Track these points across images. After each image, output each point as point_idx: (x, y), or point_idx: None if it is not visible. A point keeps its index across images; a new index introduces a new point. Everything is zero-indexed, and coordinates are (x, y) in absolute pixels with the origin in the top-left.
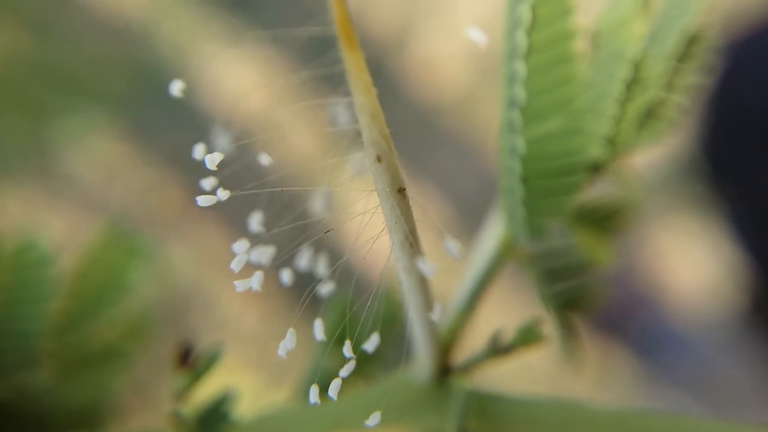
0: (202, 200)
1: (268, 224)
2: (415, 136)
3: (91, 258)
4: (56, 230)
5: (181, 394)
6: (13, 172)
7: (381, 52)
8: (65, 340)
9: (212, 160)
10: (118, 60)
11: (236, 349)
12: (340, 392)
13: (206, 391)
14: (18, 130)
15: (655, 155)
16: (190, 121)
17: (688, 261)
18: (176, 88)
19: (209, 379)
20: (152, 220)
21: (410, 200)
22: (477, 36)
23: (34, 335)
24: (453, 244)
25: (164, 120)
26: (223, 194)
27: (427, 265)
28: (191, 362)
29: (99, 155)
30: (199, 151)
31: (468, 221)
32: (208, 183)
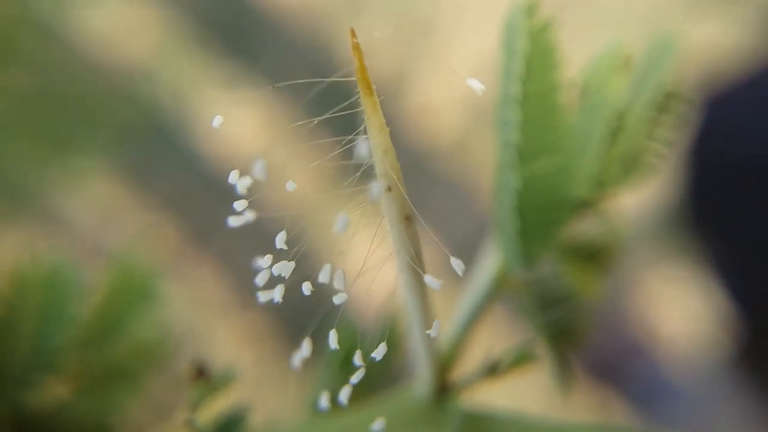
0: (233, 220)
1: (288, 243)
2: (410, 178)
3: (114, 280)
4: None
5: (196, 406)
6: (11, 213)
7: (377, 94)
8: (84, 357)
9: (243, 185)
10: (116, 102)
11: (231, 392)
12: (343, 409)
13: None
14: (17, 172)
15: (642, 205)
16: (187, 163)
17: (678, 310)
18: (216, 122)
19: (221, 397)
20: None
21: (416, 227)
22: (475, 84)
23: (58, 352)
24: (458, 263)
25: (161, 162)
26: (250, 215)
27: (431, 280)
28: (206, 376)
29: (95, 196)
30: (233, 175)
31: (464, 260)
32: (239, 204)
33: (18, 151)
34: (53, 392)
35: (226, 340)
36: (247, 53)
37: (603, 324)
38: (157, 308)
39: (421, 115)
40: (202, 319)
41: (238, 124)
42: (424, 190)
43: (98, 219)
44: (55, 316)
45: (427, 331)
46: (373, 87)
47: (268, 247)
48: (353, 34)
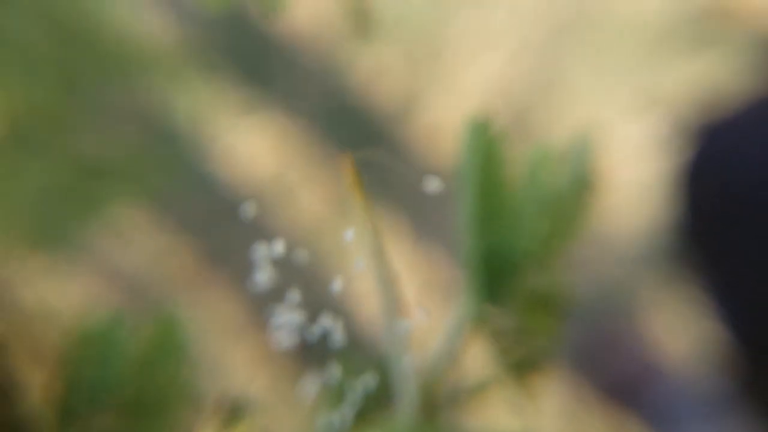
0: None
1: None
2: (420, 199)
3: (149, 336)
4: (71, 296)
5: None
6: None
7: (386, 119)
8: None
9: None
10: (132, 128)
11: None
12: None
13: None
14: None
15: (641, 234)
16: (202, 188)
17: (683, 336)
18: (249, 210)
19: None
20: (164, 286)
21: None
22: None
23: (107, 390)
24: (423, 311)
25: (178, 187)
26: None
27: (407, 322)
28: (226, 411)
29: (111, 221)
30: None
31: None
32: (261, 277)
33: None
34: (101, 424)
35: (240, 362)
36: (262, 79)
37: (618, 347)
38: (188, 365)
39: (431, 137)
40: (217, 341)
41: (253, 148)
42: (433, 211)
43: (115, 243)
44: (106, 374)
45: (406, 358)
46: (365, 196)
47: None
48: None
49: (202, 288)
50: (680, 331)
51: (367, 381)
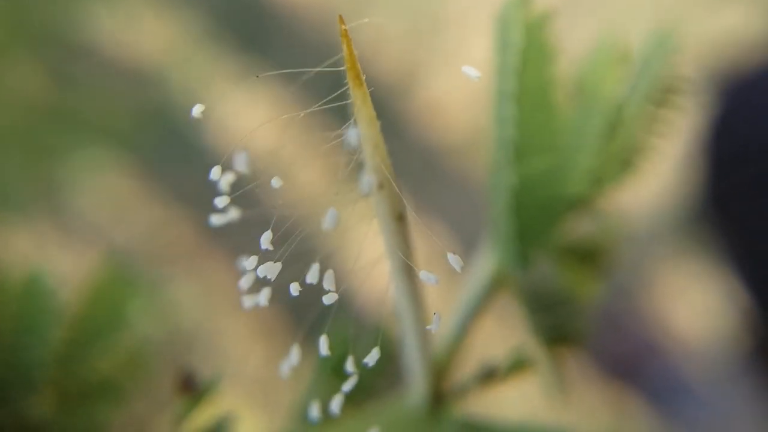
0: (215, 219)
1: (275, 243)
2: (420, 176)
3: (92, 290)
4: (65, 266)
5: (182, 418)
6: (23, 208)
7: (387, 93)
8: (66, 370)
9: (226, 181)
10: (128, 98)
11: (240, 391)
12: (335, 420)
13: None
14: (29, 168)
15: (658, 200)
16: (199, 159)
17: (695, 306)
18: (196, 110)
19: (210, 408)
20: (160, 257)
21: (409, 227)
22: (471, 72)
23: (37, 365)
24: (455, 259)
25: (173, 158)
26: (234, 213)
27: (426, 275)
28: (192, 387)
29: (108, 192)
30: (214, 171)
31: (472, 260)
32: (221, 201)
33: (29, 149)
34: (36, 409)
35: (238, 335)
36: (258, 49)
37: (620, 322)
38: (142, 315)
39: (432, 113)
40: (214, 314)
41: (249, 119)
42: (434, 188)
43: (111, 214)
44: (33, 329)
45: (427, 327)
46: (363, 77)
47: (278, 228)
48: (342, 20)
49: (198, 260)
50: (684, 307)
51: (370, 355)
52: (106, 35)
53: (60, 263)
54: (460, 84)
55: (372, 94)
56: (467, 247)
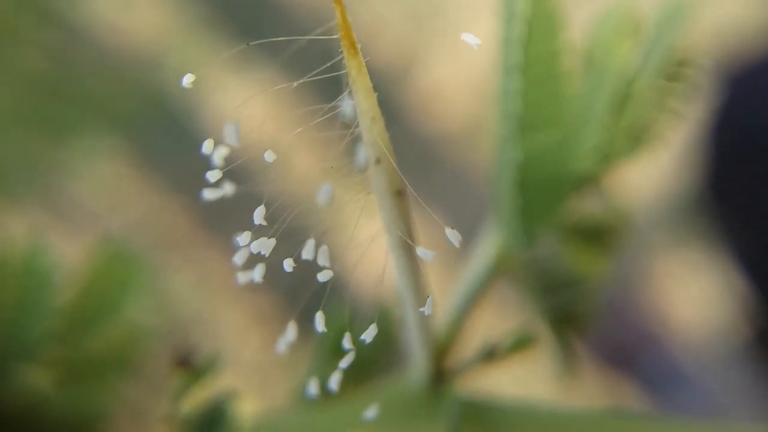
0: (208, 193)
1: (269, 219)
2: (418, 164)
3: (92, 269)
4: (60, 252)
5: (180, 395)
6: (19, 194)
7: (386, 80)
8: (65, 348)
9: (219, 155)
10: (126, 86)
11: (237, 377)
12: (335, 397)
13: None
14: (26, 154)
15: (658, 188)
16: (196, 147)
17: (693, 296)
18: (186, 80)
19: (207, 389)
20: (156, 245)
21: (407, 202)
22: (471, 39)
23: (37, 341)
24: (454, 234)
25: (170, 146)
26: (228, 188)
27: (424, 251)
28: (190, 363)
29: (105, 180)
30: (206, 145)
31: (471, 244)
32: (213, 175)
33: (25, 134)
34: (33, 384)
35: (234, 323)
36: (255, 36)
37: (617, 311)
38: (140, 298)
39: (431, 98)
40: (211, 302)
41: (246, 105)
42: (433, 174)
43: (107, 201)
44: (33, 304)
45: (421, 309)
46: (358, 46)
47: (273, 204)
48: None
49: (196, 248)
50: (682, 296)
51: (367, 332)
52: (104, 20)
53: (55, 249)
54: (459, 70)
55: (370, 81)
56: (466, 235)
